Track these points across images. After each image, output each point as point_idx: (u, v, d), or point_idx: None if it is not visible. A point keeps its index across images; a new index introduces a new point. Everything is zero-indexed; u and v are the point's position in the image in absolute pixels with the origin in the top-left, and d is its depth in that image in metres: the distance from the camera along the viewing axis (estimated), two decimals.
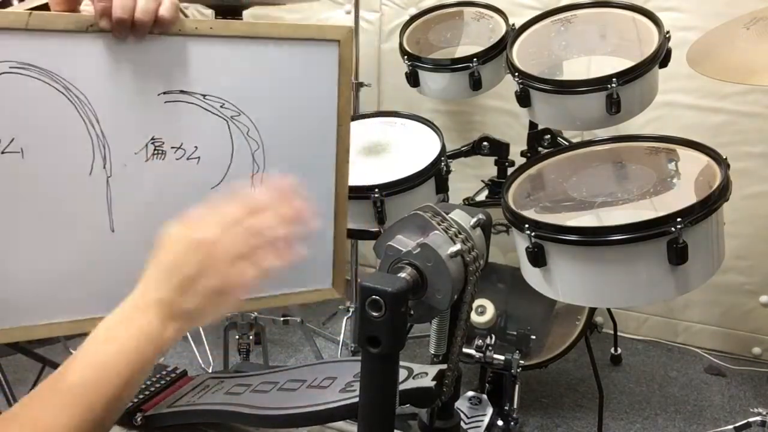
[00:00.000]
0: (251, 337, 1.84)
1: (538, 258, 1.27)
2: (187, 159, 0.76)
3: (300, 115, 0.81)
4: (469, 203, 1.82)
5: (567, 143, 1.77)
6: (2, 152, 0.68)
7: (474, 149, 1.89)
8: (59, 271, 0.73)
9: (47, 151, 0.70)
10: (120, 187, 0.73)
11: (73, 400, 0.55)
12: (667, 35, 1.50)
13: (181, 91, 0.74)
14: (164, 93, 0.73)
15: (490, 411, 1.48)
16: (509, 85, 1.68)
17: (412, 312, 0.53)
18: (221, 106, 0.76)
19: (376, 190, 1.50)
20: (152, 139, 0.74)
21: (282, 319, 2.02)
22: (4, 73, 0.67)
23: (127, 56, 0.70)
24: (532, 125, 1.86)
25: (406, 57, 1.88)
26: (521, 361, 1.47)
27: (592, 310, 1.72)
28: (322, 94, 0.81)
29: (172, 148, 0.74)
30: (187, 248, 0.60)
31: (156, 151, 0.73)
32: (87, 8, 0.71)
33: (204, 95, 0.75)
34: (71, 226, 0.73)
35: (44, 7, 1.21)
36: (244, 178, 0.79)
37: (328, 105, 0.82)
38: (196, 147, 0.76)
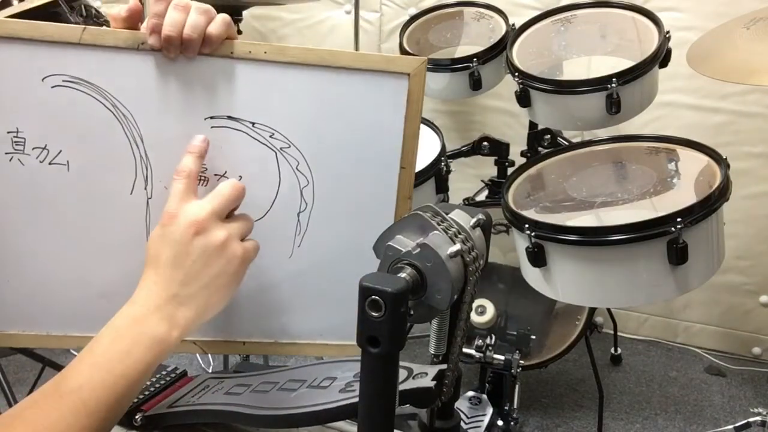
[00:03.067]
0: None
1: (538, 258, 1.27)
2: None
3: (358, 153, 0.74)
4: (469, 203, 1.82)
5: (567, 143, 1.77)
6: (49, 163, 0.68)
7: (474, 149, 1.89)
8: (94, 287, 0.72)
9: (91, 166, 0.69)
10: (160, 211, 0.69)
11: (77, 403, 0.55)
12: (667, 35, 1.50)
13: (229, 117, 0.70)
14: (211, 117, 0.70)
15: (490, 411, 1.48)
16: (509, 85, 1.68)
17: (412, 312, 0.53)
18: (270, 136, 0.71)
19: None
20: None
21: None
22: (57, 86, 0.67)
23: (176, 77, 0.69)
24: (532, 125, 1.86)
25: None
26: (521, 361, 1.47)
27: (592, 310, 1.72)
28: (385, 132, 0.74)
29: (216, 175, 0.71)
30: (182, 239, 0.61)
31: (199, 178, 0.69)
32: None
33: (253, 123, 0.71)
34: (110, 244, 0.72)
35: (50, 5, 1.21)
36: (291, 215, 0.74)
37: (391, 145, 0.74)
38: (240, 177, 0.72)
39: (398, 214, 0.76)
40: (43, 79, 0.67)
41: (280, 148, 0.72)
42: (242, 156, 0.71)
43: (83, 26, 0.66)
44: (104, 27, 0.68)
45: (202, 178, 0.71)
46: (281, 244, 0.75)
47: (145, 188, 0.71)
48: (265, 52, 0.70)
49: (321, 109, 0.72)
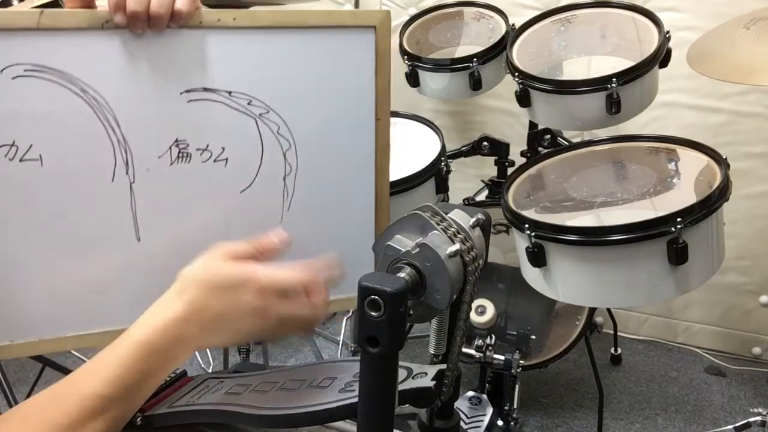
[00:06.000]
0: None
1: (538, 258, 1.27)
2: (214, 161, 0.71)
3: (334, 109, 0.75)
4: (469, 203, 1.82)
5: (567, 143, 1.77)
6: (20, 160, 0.65)
7: (474, 149, 1.89)
8: (85, 283, 0.70)
9: (67, 158, 0.66)
10: (144, 194, 0.69)
11: (88, 409, 0.55)
12: (667, 35, 1.50)
13: (205, 89, 0.69)
14: (186, 91, 0.69)
15: (490, 411, 1.48)
16: (509, 85, 1.68)
17: (411, 312, 0.53)
18: (248, 104, 0.71)
19: None
20: (176, 141, 0.69)
21: None
22: (18, 76, 0.63)
23: (146, 54, 0.66)
24: (532, 125, 1.86)
25: (406, 57, 1.88)
26: (521, 361, 1.47)
27: (592, 310, 1.72)
28: (358, 86, 0.75)
29: (198, 150, 0.70)
30: (245, 310, 0.59)
31: (181, 154, 0.69)
32: (103, 4, 0.66)
33: (229, 92, 0.70)
34: (95, 235, 0.69)
35: (52, 5, 1.20)
36: (276, 180, 0.74)
37: (365, 98, 0.75)
38: (223, 148, 0.71)
39: (379, 165, 0.78)
40: (2, 71, 0.63)
41: (260, 114, 0.72)
42: (222, 127, 0.70)
43: (40, 9, 0.62)
44: (61, 8, 0.64)
45: (185, 154, 0.70)
46: (271, 211, 0.75)
47: (127, 173, 0.68)
48: (234, 19, 0.68)
49: (295, 70, 0.72)
